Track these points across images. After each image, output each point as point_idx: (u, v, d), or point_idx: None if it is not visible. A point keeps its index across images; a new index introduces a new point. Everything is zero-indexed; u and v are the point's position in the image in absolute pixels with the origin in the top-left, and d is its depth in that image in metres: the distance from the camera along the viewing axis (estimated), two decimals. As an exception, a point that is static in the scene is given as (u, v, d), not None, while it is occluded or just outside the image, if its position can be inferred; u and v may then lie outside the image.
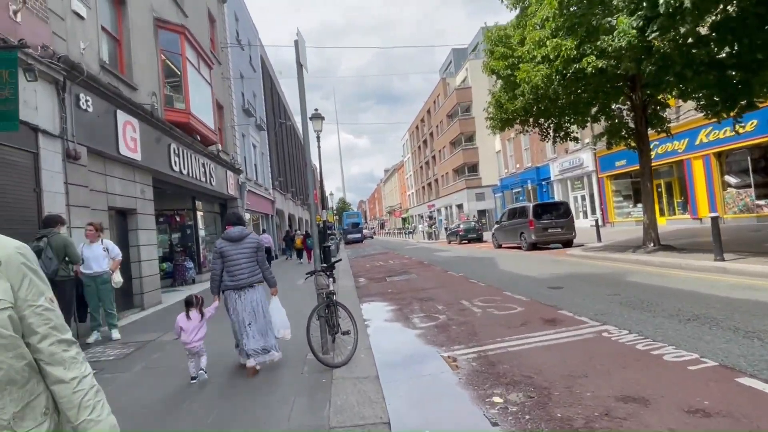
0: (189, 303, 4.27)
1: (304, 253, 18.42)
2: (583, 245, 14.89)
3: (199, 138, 12.30)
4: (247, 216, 19.80)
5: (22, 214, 5.87)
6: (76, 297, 6.25)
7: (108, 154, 8.04)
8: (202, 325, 4.26)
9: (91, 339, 6.28)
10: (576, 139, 14.53)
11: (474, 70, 40.27)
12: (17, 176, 5.82)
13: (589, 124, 13.50)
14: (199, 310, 4.28)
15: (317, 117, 12.12)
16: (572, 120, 12.48)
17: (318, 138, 12.25)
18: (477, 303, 7.35)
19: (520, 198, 32.29)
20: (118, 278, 6.44)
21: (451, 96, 41.73)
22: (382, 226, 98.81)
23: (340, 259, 12.85)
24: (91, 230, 6.28)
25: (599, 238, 14.92)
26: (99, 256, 6.25)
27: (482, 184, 40.41)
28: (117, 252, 6.49)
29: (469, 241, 27.05)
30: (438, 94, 47.14)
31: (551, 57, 9.72)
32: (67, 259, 5.56)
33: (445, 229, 34.01)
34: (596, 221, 16.20)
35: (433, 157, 52.31)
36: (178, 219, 13.79)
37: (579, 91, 10.84)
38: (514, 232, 17.53)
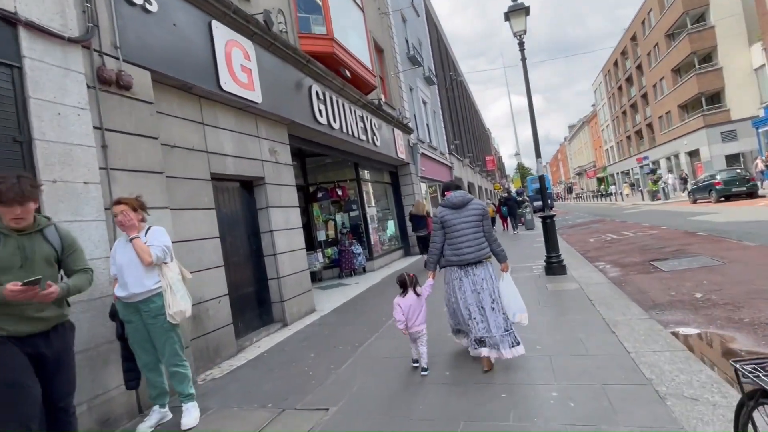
0: (403, 283, 3.73)
1: (499, 221, 18.26)
2: None
3: (350, 75, 8.91)
4: (423, 187, 16.35)
5: None
6: (122, 344, 3.25)
7: (201, 88, 5.00)
8: (422, 305, 3.69)
9: (148, 424, 3.20)
10: None
11: (711, -42, 28.79)
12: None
13: None
14: (414, 289, 3.69)
15: (519, 9, 7.41)
16: None
17: (521, 43, 7.51)
18: None
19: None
20: (177, 305, 3.15)
21: (674, 5, 30.82)
22: (570, 190, 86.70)
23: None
24: (124, 212, 3.10)
25: None
26: (138, 265, 3.06)
27: (731, 119, 28.98)
28: (162, 246, 3.20)
29: (731, 197, 18.54)
30: (649, 10, 35.90)
31: None
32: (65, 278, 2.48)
33: (684, 183, 25.05)
34: None
35: (644, 96, 40.94)
36: (339, 193, 10.91)
37: None
38: None
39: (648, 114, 40.76)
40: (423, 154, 16.12)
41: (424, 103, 19.22)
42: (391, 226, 14.36)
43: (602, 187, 60.56)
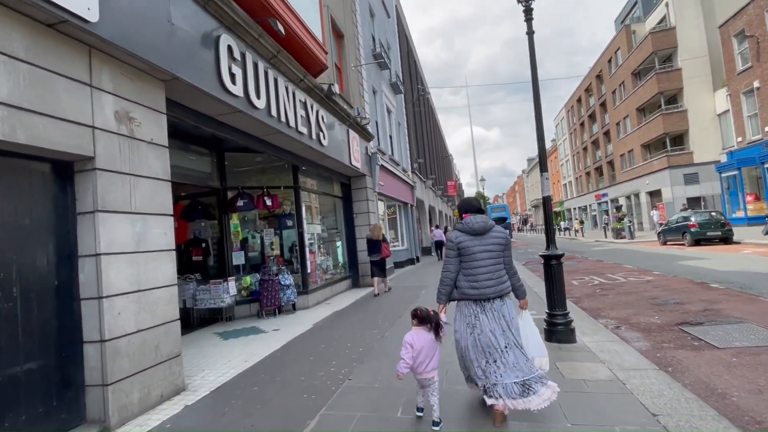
0: (424, 320, 3.08)
1: None
2: None
3: (284, 33, 6.37)
4: (380, 206, 13.95)
5: None
6: None
7: None
8: (436, 348, 3.10)
9: None
10: None
11: (680, 1, 29.03)
12: None
13: None
14: (437, 330, 3.07)
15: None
16: None
17: (528, 10, 5.34)
18: None
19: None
20: None
21: (643, 45, 30.78)
22: (525, 221, 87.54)
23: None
24: None
25: None
26: None
27: (694, 161, 28.81)
28: None
29: (706, 242, 17.40)
30: (616, 49, 36.08)
31: None
32: None
33: (659, 224, 24.16)
34: None
35: (606, 133, 41.08)
36: (268, 203, 8.20)
37: None
38: None
39: (609, 151, 40.83)
40: (383, 167, 13.73)
41: (389, 111, 16.99)
42: (339, 250, 11.74)
43: (558, 221, 60.88)
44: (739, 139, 24.99)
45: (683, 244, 18.19)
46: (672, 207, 28.52)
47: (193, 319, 7.43)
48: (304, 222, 8.80)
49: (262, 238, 8.56)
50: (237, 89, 5.31)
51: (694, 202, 28.28)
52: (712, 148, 27.52)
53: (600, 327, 5.78)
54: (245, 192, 7.98)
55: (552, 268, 5.19)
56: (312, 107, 7.88)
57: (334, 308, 8.39)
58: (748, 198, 24.23)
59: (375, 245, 9.93)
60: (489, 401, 3.08)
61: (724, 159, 26.30)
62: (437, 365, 3.13)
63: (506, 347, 3.13)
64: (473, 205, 3.47)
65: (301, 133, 7.25)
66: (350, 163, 10.21)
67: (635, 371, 3.99)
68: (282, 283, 7.91)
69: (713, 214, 18.31)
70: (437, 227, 28.00)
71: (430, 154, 32.06)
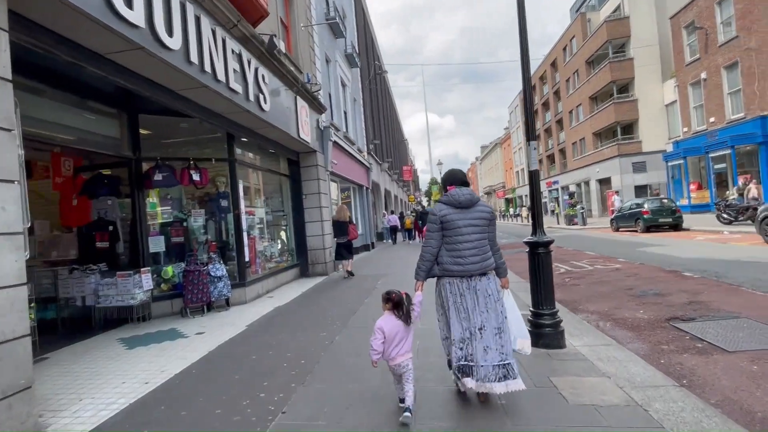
0: (398, 304, 2.87)
1: (416, 233, 19.22)
2: None
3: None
4: (333, 188, 12.78)
5: None
6: None
7: None
8: (410, 330, 2.92)
9: None
10: None
11: (635, -9, 29.31)
12: None
13: None
14: (406, 312, 2.86)
15: None
16: None
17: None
18: None
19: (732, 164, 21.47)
20: None
21: (598, 33, 31.00)
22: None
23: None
24: None
25: None
26: None
27: (642, 150, 29.56)
28: None
29: (656, 228, 17.57)
30: (572, 37, 36.29)
31: None
32: None
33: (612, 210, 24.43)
34: None
35: (559, 121, 41.68)
36: (196, 177, 6.78)
37: None
38: None
39: (562, 139, 41.50)
40: (337, 144, 12.46)
41: (344, 85, 15.63)
42: (285, 235, 10.45)
43: (510, 207, 61.99)
44: (685, 129, 25.74)
45: (636, 231, 18.31)
46: (621, 194, 29.22)
47: (94, 321, 5.97)
48: (242, 202, 7.45)
49: (186, 221, 7.14)
50: (136, 17, 3.90)
51: (641, 190, 29.11)
52: (660, 138, 28.29)
53: (587, 326, 4.97)
54: (165, 164, 6.51)
55: (539, 257, 4.27)
56: (249, 63, 6.50)
57: (277, 303, 7.17)
58: (692, 186, 25.08)
59: (342, 227, 9.77)
60: (469, 383, 2.93)
61: (670, 148, 27.09)
62: (410, 348, 2.92)
63: (489, 327, 2.98)
64: (458, 177, 3.24)
65: (233, 90, 5.88)
66: (298, 135, 8.89)
67: (653, 390, 3.14)
68: (212, 274, 6.57)
69: (664, 201, 18.55)
70: (392, 212, 27.17)
71: (386, 136, 30.94)
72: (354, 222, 10.74)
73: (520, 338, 3.23)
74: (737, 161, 21.16)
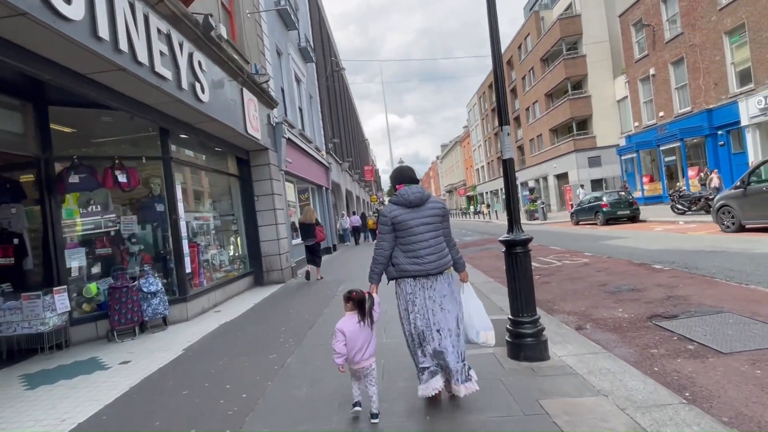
0: (360, 303, 2.77)
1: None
2: None
3: None
4: (290, 189, 12.02)
5: None
6: None
7: None
8: (372, 332, 2.83)
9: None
10: None
11: (585, -9, 30.00)
12: None
13: None
14: (369, 314, 2.79)
15: None
16: None
17: None
18: None
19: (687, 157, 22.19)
20: None
21: (551, 31, 31.58)
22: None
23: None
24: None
25: None
26: None
27: (597, 145, 30.33)
28: None
29: (614, 221, 17.83)
30: (526, 35, 36.87)
31: None
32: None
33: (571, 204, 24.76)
34: None
35: (516, 119, 42.32)
36: (122, 179, 5.85)
37: None
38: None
39: (519, 136, 42.18)
40: (291, 142, 11.65)
41: (298, 81, 14.81)
42: (236, 241, 9.57)
43: (471, 205, 62.72)
44: (636, 123, 26.54)
45: (595, 224, 18.53)
46: (586, 188, 29.87)
47: (-6, 353, 4.97)
48: (180, 205, 6.56)
49: (120, 229, 6.20)
50: (12, -27, 3.06)
51: (597, 184, 29.84)
52: (613, 133, 29.10)
53: (568, 330, 4.51)
54: (83, 164, 5.56)
55: (517, 258, 3.75)
56: (182, 46, 5.66)
57: (224, 318, 6.35)
58: (645, 179, 25.88)
59: (308, 229, 9.61)
60: (433, 383, 2.84)
61: (623, 143, 27.89)
62: (374, 351, 2.86)
63: (448, 328, 2.93)
64: (407, 175, 3.13)
65: (160, 76, 5.04)
66: (246, 131, 8.07)
67: (659, 410, 2.66)
68: (144, 290, 5.69)
69: (622, 194, 18.85)
70: (354, 213, 26.51)
71: (346, 135, 30.22)
72: (321, 224, 10.46)
73: (483, 331, 3.15)
74: (686, 153, 21.91)
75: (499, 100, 3.90)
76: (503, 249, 3.87)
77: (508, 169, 3.83)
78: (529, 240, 3.77)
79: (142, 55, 4.67)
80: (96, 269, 6.01)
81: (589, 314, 5.31)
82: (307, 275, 9.62)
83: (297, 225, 11.12)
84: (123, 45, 4.34)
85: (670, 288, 6.04)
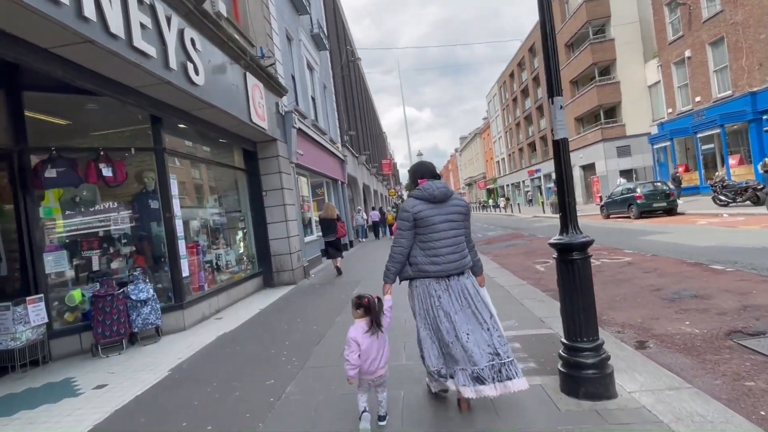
0: (370, 310, 2.61)
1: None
2: None
3: None
4: (303, 183, 11.35)
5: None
6: None
7: None
8: (385, 340, 2.68)
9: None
10: None
11: (613, -30, 28.32)
12: None
13: None
14: (379, 323, 2.62)
15: None
16: None
17: None
18: None
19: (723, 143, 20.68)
20: None
21: (577, 14, 30.03)
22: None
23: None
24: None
25: None
26: None
27: (626, 134, 28.78)
28: None
29: (648, 213, 16.58)
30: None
31: None
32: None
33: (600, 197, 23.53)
34: None
35: (539, 108, 40.78)
36: (107, 173, 5.21)
37: None
38: None
39: (542, 126, 40.64)
40: (303, 133, 10.93)
41: (311, 69, 14.06)
42: (242, 240, 8.92)
43: (492, 197, 61.28)
44: (670, 110, 24.96)
45: (628, 217, 17.35)
46: (605, 180, 28.47)
47: (-41, 373, 4.39)
48: (175, 201, 5.90)
49: (107, 230, 5.57)
50: None
51: (627, 174, 28.34)
52: (644, 120, 27.51)
53: (631, 351, 3.64)
54: (62, 156, 4.93)
55: (574, 267, 2.90)
56: (170, 20, 4.95)
57: (224, 328, 5.67)
58: (680, 169, 24.34)
59: (329, 225, 9.60)
60: (433, 387, 2.90)
61: (655, 131, 26.33)
62: (388, 357, 2.70)
63: (474, 327, 2.72)
64: (429, 169, 3.00)
65: (141, 52, 4.33)
66: (250, 120, 7.36)
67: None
68: (132, 297, 5.05)
69: (657, 184, 17.58)
70: (373, 208, 25.77)
71: (362, 128, 29.44)
72: (342, 220, 10.38)
73: None
74: (726, 140, 20.38)
75: (549, 64, 3.04)
76: (554, 255, 3.03)
77: (561, 151, 2.99)
78: (590, 243, 2.93)
79: (116, 26, 3.97)
80: (82, 274, 5.39)
81: (648, 328, 4.43)
82: (339, 271, 9.58)
83: (317, 220, 11.07)
84: (89, 11, 3.64)
85: (741, 295, 5.09)
